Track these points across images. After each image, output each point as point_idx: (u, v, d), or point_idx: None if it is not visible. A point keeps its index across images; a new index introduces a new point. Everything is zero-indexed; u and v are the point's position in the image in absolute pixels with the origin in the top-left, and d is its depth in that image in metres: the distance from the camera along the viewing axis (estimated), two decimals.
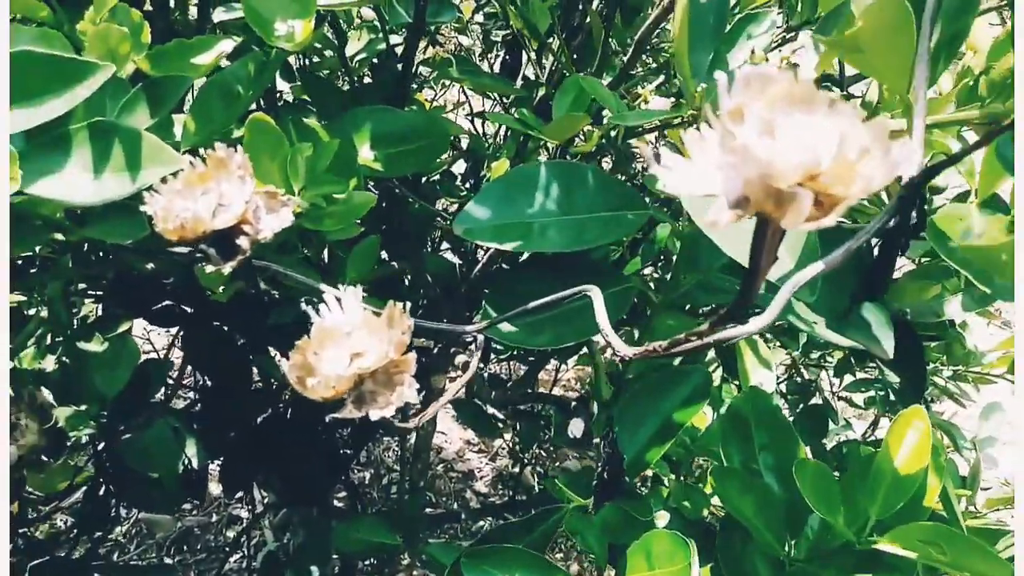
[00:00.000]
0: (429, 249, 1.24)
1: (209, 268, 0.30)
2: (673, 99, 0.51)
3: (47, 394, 0.55)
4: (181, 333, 1.07)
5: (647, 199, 0.47)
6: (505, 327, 0.45)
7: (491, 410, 1.08)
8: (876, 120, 0.18)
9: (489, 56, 1.36)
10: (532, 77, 1.00)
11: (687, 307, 0.57)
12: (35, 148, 0.37)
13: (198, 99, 0.58)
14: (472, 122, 1.36)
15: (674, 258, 0.52)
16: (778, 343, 1.04)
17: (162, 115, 0.47)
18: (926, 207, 0.38)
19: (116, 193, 0.35)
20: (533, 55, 0.87)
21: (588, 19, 0.83)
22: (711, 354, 0.85)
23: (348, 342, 0.28)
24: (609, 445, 0.53)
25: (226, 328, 0.98)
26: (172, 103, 0.49)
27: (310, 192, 0.53)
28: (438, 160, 0.78)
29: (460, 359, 1.14)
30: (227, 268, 0.30)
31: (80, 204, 0.36)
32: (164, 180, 0.31)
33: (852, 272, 0.42)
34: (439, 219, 1.06)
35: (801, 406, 1.19)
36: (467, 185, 1.14)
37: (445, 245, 1.23)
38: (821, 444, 0.79)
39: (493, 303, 0.48)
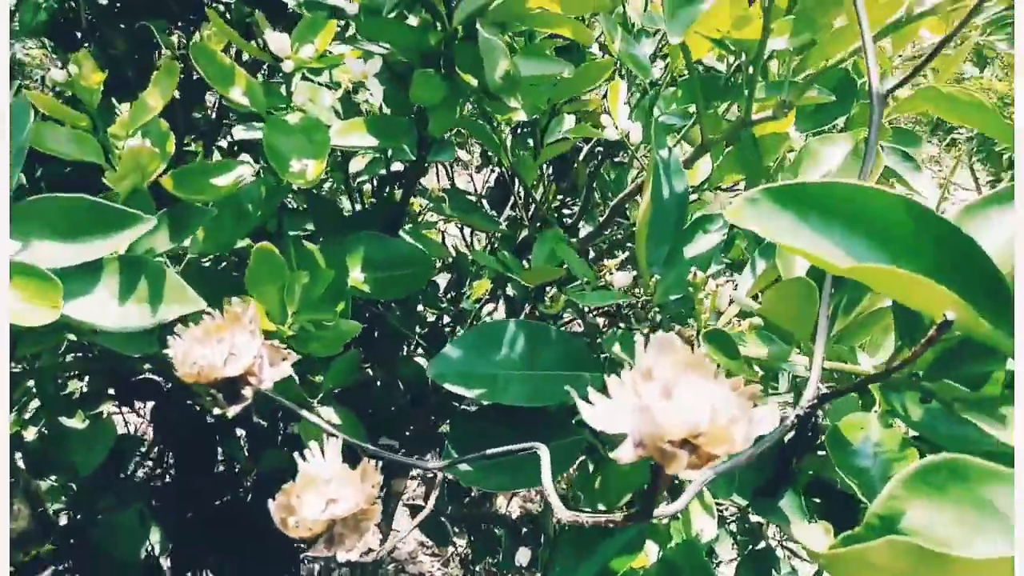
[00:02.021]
0: (404, 353, 1.29)
1: (216, 411, 0.35)
2: (635, 274, 0.58)
3: (38, 480, 0.59)
4: (153, 407, 1.10)
5: (605, 360, 0.53)
6: (463, 467, 0.50)
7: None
8: (748, 390, 0.24)
9: (485, 170, 1.44)
10: (519, 209, 1.08)
11: None
12: (68, 272, 0.42)
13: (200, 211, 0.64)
14: (461, 231, 1.44)
15: None
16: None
17: (180, 242, 0.53)
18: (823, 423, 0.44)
19: (137, 323, 0.41)
20: (522, 192, 0.94)
21: (575, 169, 0.91)
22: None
23: (326, 489, 0.33)
24: None
25: (198, 408, 1.01)
26: (193, 231, 0.55)
27: (302, 316, 0.58)
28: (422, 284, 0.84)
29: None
30: (231, 411, 0.35)
31: (103, 328, 0.41)
32: (185, 324, 0.36)
33: (769, 462, 0.47)
34: (417, 328, 1.11)
35: (749, 548, 1.22)
36: (448, 296, 1.20)
37: (419, 351, 1.28)
38: None
39: (454, 440, 0.53)
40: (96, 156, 0.61)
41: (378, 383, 1.08)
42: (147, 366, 0.73)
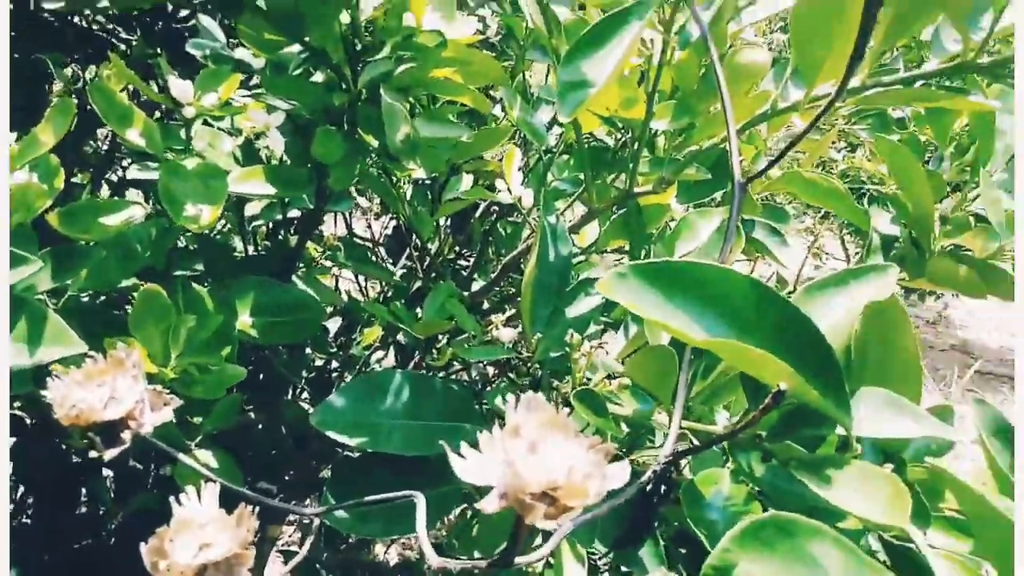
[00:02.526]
0: (289, 396, 1.28)
1: (92, 453, 0.35)
2: (519, 331, 0.60)
3: None
4: (15, 443, 1.04)
5: (486, 416, 0.55)
6: (340, 513, 0.50)
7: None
8: (604, 448, 0.27)
9: (384, 218, 1.46)
10: (415, 260, 1.10)
11: None
12: None
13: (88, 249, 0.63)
14: (356, 277, 1.44)
15: None
16: None
17: (64, 281, 0.52)
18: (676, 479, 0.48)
19: (16, 363, 0.40)
20: (416, 251, 0.96)
21: (471, 226, 0.94)
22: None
23: (201, 533, 0.34)
24: None
25: (64, 447, 0.97)
26: (77, 272, 0.54)
27: (186, 360, 0.58)
28: (312, 331, 0.85)
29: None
30: (108, 455, 0.35)
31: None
32: (67, 366, 0.36)
33: (624, 515, 0.50)
34: (303, 374, 1.11)
35: None
36: (338, 342, 1.20)
37: (305, 395, 1.27)
38: None
39: (334, 486, 0.54)
40: None
41: (260, 426, 1.06)
42: (16, 404, 0.70)
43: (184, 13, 0.98)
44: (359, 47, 0.55)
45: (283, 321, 0.73)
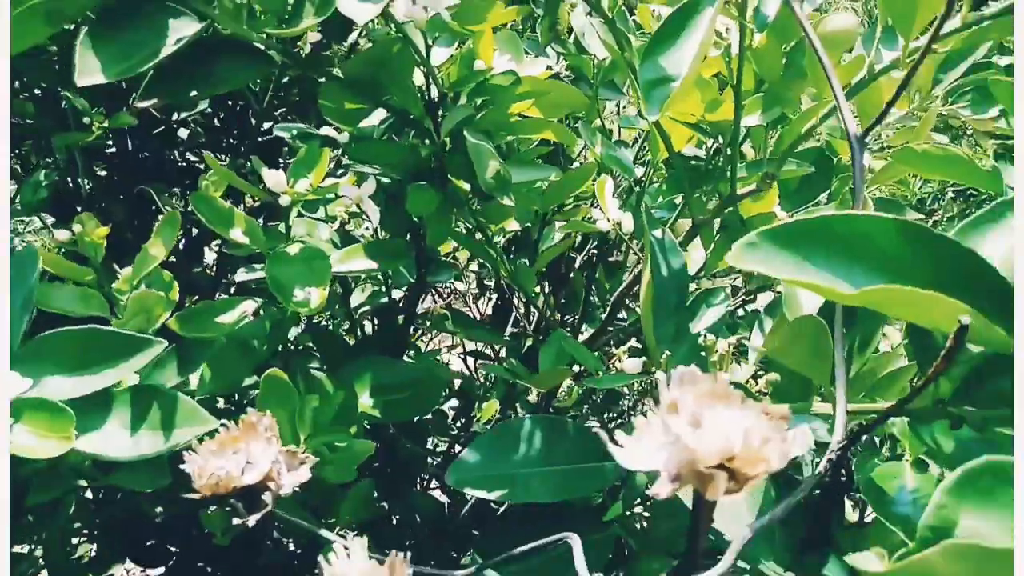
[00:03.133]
0: (418, 487, 1.26)
1: (236, 520, 0.34)
2: (644, 358, 0.57)
3: None
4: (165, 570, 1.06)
5: None
6: (491, 574, 0.48)
7: None
8: (777, 411, 0.24)
9: (482, 299, 1.46)
10: (522, 322, 1.09)
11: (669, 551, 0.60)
12: (78, 406, 0.42)
13: (217, 352, 0.64)
14: (465, 361, 1.44)
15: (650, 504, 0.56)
16: None
17: (188, 375, 0.53)
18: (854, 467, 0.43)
19: (151, 450, 0.40)
20: (522, 308, 0.95)
21: (572, 275, 0.93)
22: None
23: None
24: None
25: (209, 569, 0.98)
26: (199, 365, 0.55)
27: (315, 441, 0.57)
28: (432, 406, 0.84)
29: None
30: (251, 520, 0.34)
31: (115, 459, 0.41)
32: (200, 440, 0.36)
33: (800, 523, 0.46)
34: (429, 459, 1.09)
35: None
36: (458, 424, 1.19)
37: (435, 484, 1.25)
38: None
39: (482, 552, 0.52)
40: (101, 310, 0.62)
41: (394, 519, 1.05)
42: (159, 514, 0.71)
43: (266, 126, 1.03)
44: (435, 99, 0.56)
45: (403, 397, 0.72)
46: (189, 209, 1.20)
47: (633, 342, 0.68)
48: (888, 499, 0.39)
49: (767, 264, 0.30)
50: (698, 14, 0.49)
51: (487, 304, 1.44)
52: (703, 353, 0.45)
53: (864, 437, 0.36)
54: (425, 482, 1.26)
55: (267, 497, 0.35)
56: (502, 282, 0.92)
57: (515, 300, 1.00)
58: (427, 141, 0.55)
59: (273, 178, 0.66)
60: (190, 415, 0.42)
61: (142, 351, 0.41)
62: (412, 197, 0.54)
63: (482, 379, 1.37)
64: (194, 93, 0.46)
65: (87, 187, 1.10)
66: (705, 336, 0.44)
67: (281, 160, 1.14)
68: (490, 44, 0.57)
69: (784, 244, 0.31)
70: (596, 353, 0.58)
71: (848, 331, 0.38)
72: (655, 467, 0.23)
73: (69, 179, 1.16)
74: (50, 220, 1.18)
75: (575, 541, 0.41)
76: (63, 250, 0.73)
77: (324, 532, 0.42)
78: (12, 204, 1.17)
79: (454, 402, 1.20)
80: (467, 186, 0.54)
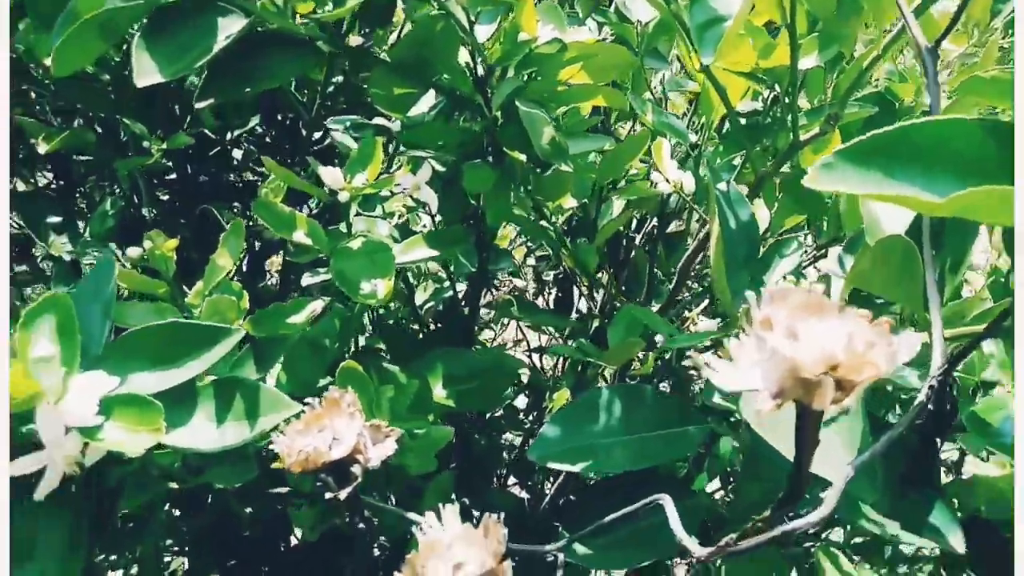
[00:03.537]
0: (496, 484, 1.26)
1: (327, 495, 0.34)
2: (719, 319, 0.56)
3: None
4: None
5: (707, 416, 0.51)
6: (580, 549, 0.47)
7: None
8: (880, 319, 0.23)
9: (542, 295, 1.46)
10: (585, 311, 1.08)
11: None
12: (165, 402, 0.43)
13: (290, 353, 0.65)
14: (530, 357, 1.44)
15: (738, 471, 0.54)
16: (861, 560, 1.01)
17: (266, 371, 0.54)
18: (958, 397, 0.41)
19: (236, 439, 0.40)
20: (585, 290, 0.94)
21: (633, 253, 0.91)
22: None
23: (450, 554, 0.31)
24: None
25: None
26: (275, 361, 0.55)
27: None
28: (503, 395, 0.83)
29: None
30: (343, 494, 0.34)
31: (203, 451, 0.41)
32: (287, 422, 0.36)
33: (899, 460, 0.44)
34: (504, 454, 1.09)
35: None
36: (529, 418, 1.18)
37: (512, 480, 1.25)
38: None
39: (570, 528, 0.51)
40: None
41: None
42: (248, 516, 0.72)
43: (317, 136, 1.04)
44: (483, 75, 0.56)
45: (474, 387, 0.72)
46: (250, 224, 1.22)
47: (708, 304, 0.67)
48: (993, 430, 0.37)
49: (846, 183, 0.29)
50: None
51: (548, 300, 1.44)
52: None
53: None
54: (502, 479, 1.26)
55: (356, 470, 0.35)
56: (563, 267, 0.91)
57: (577, 287, 0.99)
58: (478, 118, 0.55)
59: (331, 175, 0.66)
60: (273, 402, 0.42)
61: (221, 340, 0.41)
62: (469, 175, 0.54)
63: (549, 371, 1.36)
64: (248, 89, 0.47)
65: (151, 213, 1.13)
66: (784, 276, 0.43)
67: (336, 162, 1.15)
68: (532, 15, 0.56)
69: (862, 161, 0.30)
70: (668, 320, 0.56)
71: (937, 253, 0.36)
72: (754, 386, 0.23)
73: (133, 208, 1.19)
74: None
75: (667, 501, 0.40)
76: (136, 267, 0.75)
77: (412, 515, 0.42)
78: (82, 235, 1.21)
79: (524, 398, 1.20)
80: (523, 157, 0.53)
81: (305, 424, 0.36)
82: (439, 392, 0.70)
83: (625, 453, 0.49)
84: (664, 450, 0.49)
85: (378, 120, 0.60)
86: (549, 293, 1.44)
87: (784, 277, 0.45)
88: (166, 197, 1.18)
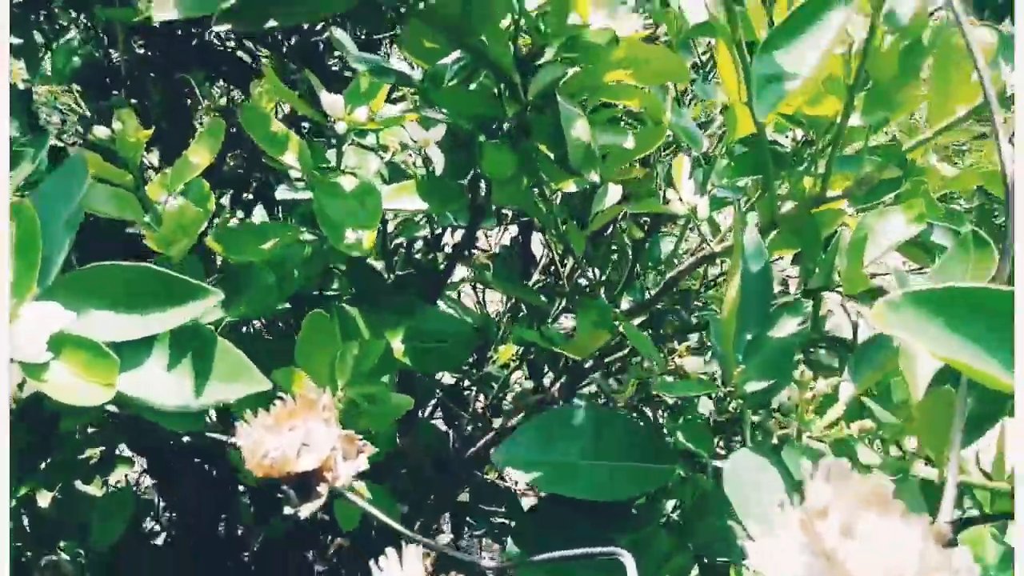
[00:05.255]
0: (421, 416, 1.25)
1: (287, 509, 0.32)
2: (704, 359, 0.55)
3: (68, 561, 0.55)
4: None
5: (675, 455, 0.50)
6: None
7: None
8: (937, 530, 0.21)
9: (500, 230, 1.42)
10: (542, 263, 1.05)
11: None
12: (121, 344, 0.39)
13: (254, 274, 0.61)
14: (474, 289, 1.41)
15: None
16: None
17: (234, 311, 0.50)
18: None
19: (197, 403, 0.38)
20: (555, 255, 0.92)
21: (614, 237, 0.89)
22: None
23: None
24: None
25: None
26: (245, 299, 0.52)
27: (353, 390, 0.55)
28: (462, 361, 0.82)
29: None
30: (304, 512, 0.32)
31: (160, 407, 0.38)
32: (253, 410, 0.33)
33: None
34: (438, 391, 1.08)
35: None
36: (471, 360, 1.17)
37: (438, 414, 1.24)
38: None
39: (517, 536, 0.50)
40: (135, 214, 0.59)
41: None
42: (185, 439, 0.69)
43: (319, 26, 0.97)
44: (525, 53, 0.51)
45: (436, 348, 0.70)
46: (229, 106, 1.14)
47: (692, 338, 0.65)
48: None
49: (917, 333, 0.27)
50: (831, 8, 0.45)
51: (502, 234, 1.40)
52: (794, 385, 0.42)
53: None
54: (426, 413, 1.25)
55: (322, 489, 0.32)
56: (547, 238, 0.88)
57: (548, 248, 0.96)
58: (512, 95, 0.51)
59: (330, 102, 0.61)
60: (240, 370, 0.39)
61: (196, 299, 0.37)
62: (489, 157, 0.50)
63: (497, 317, 1.34)
64: (271, 23, 0.42)
65: (124, 64, 1.05)
66: (802, 371, 0.41)
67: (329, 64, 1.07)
68: None
69: (934, 312, 0.28)
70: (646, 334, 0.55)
71: (971, 404, 0.35)
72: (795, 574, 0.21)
73: (101, 52, 1.10)
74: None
75: (628, 559, 0.39)
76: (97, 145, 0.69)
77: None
78: (40, 67, 1.12)
79: None
80: (551, 154, 0.50)
81: (275, 420, 0.33)
82: (397, 346, 0.68)
83: (590, 481, 0.48)
84: (628, 485, 0.48)
85: (401, 67, 0.55)
86: (505, 230, 1.41)
87: (801, 375, 0.43)
88: (142, 50, 1.10)
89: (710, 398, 0.51)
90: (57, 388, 0.34)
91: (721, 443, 0.54)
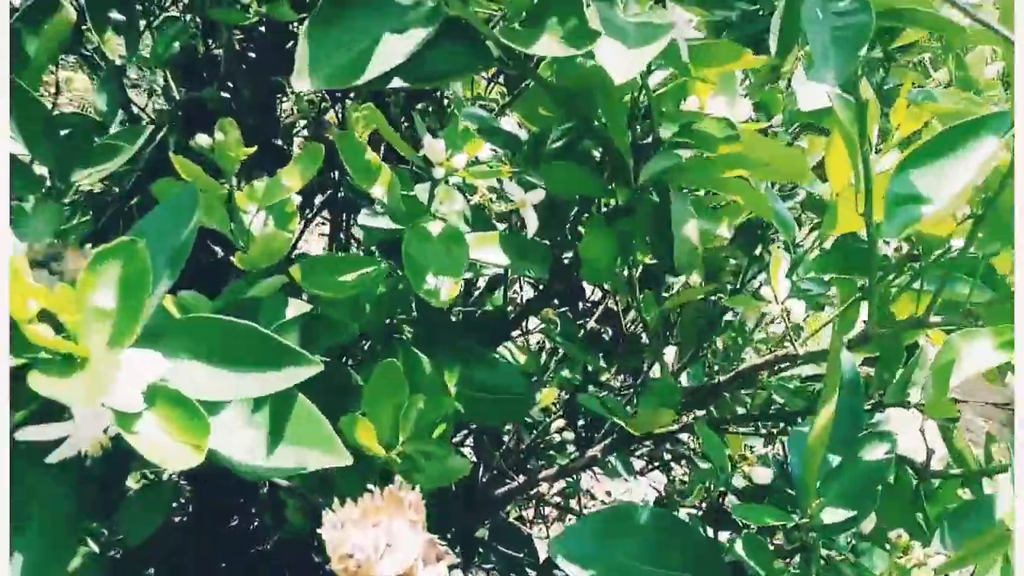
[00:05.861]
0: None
1: None
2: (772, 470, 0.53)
3: None
4: None
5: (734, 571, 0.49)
6: None
7: None
8: None
9: None
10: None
11: None
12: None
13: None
14: (525, 338, 1.38)
15: None
16: None
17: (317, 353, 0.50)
18: None
19: (285, 468, 0.37)
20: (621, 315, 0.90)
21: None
22: None
23: None
24: None
25: None
26: (322, 348, 0.51)
27: (412, 445, 0.54)
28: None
29: None
30: None
31: (228, 462, 0.37)
32: (343, 503, 0.32)
33: None
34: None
35: None
36: None
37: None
38: None
39: None
40: (222, 224, 0.59)
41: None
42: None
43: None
44: (641, 135, 0.50)
45: (491, 400, 0.68)
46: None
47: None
48: None
49: None
50: (977, 138, 0.43)
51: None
52: (887, 546, 0.41)
53: None
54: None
55: None
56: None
57: (614, 305, 0.94)
58: (619, 175, 0.50)
59: (433, 146, 0.61)
60: (321, 438, 0.38)
61: (295, 365, 0.36)
62: (592, 242, 0.49)
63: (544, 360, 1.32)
64: (397, 83, 0.41)
65: (223, 60, 1.05)
66: (899, 534, 0.40)
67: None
68: (709, 83, 0.51)
69: None
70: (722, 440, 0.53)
71: None
72: None
73: (204, 43, 1.11)
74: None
75: None
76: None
77: None
78: (137, 48, 1.13)
79: None
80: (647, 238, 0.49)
81: (361, 514, 0.33)
82: (450, 390, 0.67)
83: None
84: None
85: (510, 128, 0.54)
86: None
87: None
88: (239, 46, 1.10)
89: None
90: (146, 443, 0.33)
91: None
